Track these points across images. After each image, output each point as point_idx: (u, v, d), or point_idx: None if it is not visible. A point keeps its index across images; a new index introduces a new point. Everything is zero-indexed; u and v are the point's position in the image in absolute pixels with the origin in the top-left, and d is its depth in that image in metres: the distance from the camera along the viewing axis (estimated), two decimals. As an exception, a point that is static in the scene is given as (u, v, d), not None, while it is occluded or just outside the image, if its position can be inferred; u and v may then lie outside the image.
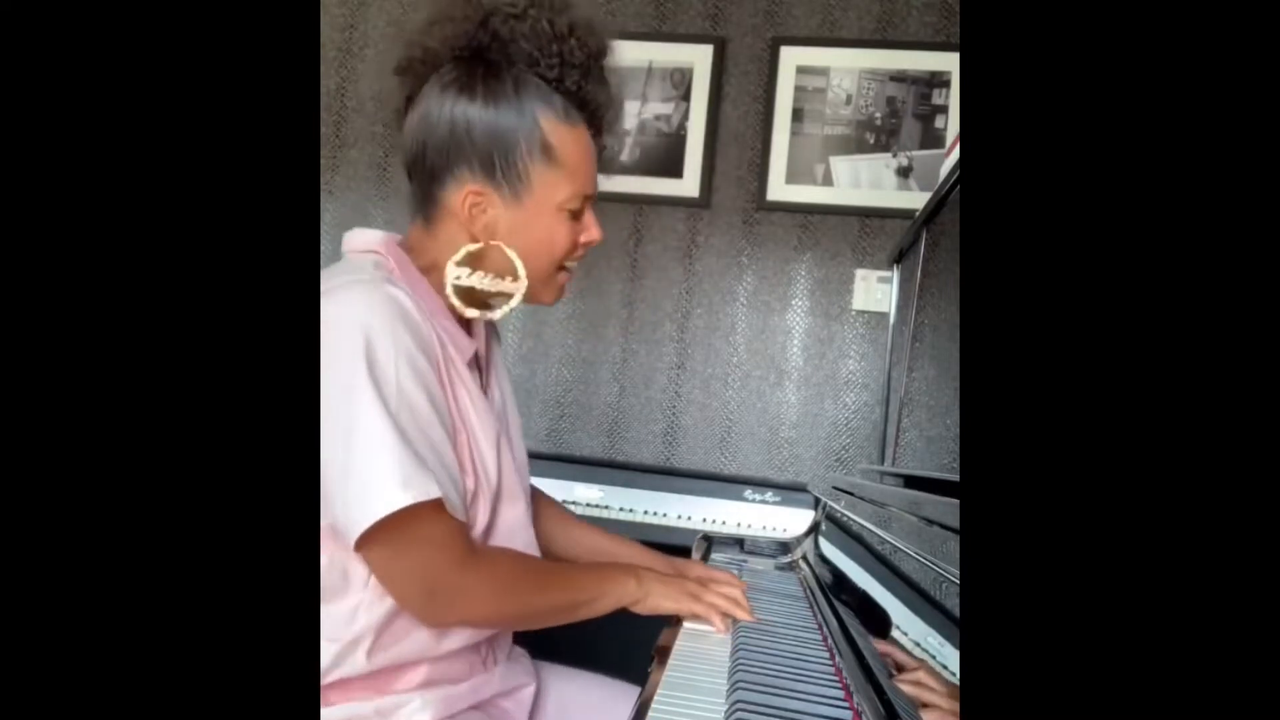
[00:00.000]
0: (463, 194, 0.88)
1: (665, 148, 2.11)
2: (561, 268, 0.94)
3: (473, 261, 0.89)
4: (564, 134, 0.89)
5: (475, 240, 0.89)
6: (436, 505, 0.78)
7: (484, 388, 0.97)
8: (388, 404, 0.77)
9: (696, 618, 0.95)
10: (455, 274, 0.88)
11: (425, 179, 0.90)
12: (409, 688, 0.86)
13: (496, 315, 0.92)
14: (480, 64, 0.88)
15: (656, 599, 0.94)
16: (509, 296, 0.91)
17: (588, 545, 1.14)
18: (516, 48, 0.88)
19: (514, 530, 0.93)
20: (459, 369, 0.88)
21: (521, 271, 0.89)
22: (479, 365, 0.98)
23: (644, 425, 2.10)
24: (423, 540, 0.79)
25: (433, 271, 0.91)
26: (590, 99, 0.92)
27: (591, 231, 0.94)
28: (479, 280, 0.89)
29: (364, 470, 0.75)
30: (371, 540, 0.77)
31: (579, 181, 0.91)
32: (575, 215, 0.92)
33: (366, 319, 0.78)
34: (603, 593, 0.92)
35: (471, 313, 0.90)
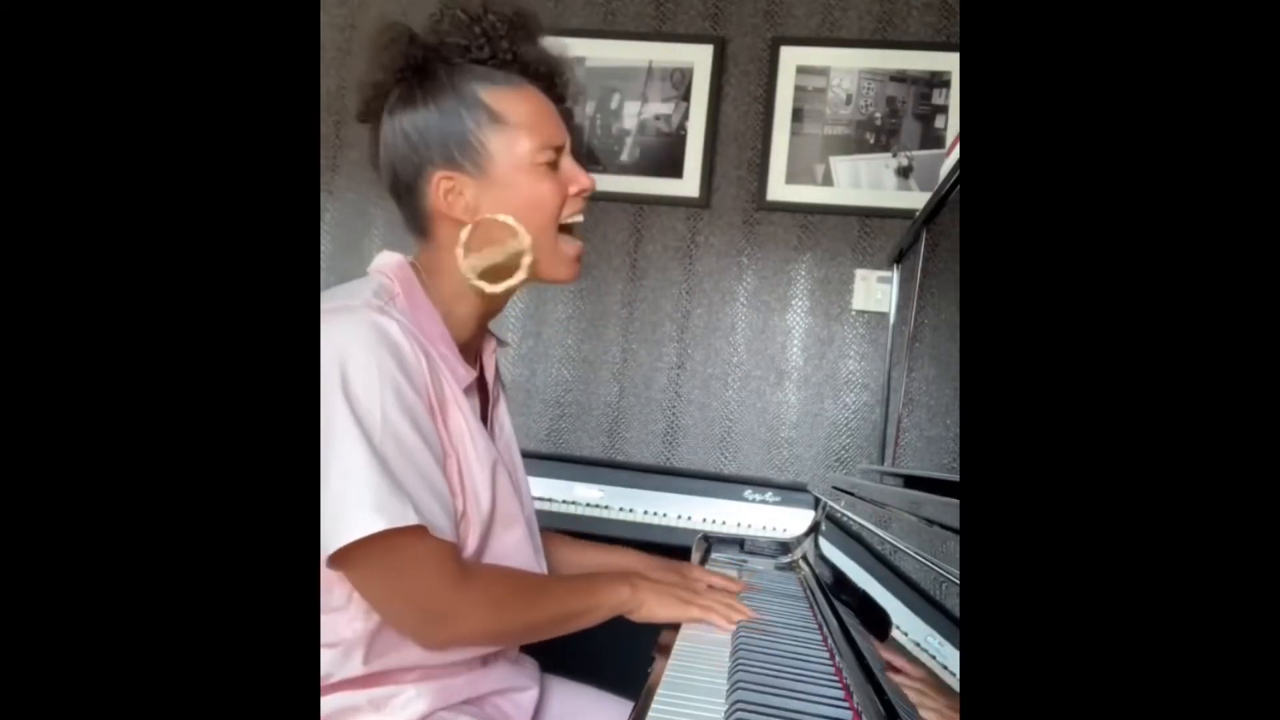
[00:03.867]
0: (435, 185, 0.89)
1: (665, 148, 2.11)
2: (564, 229, 0.93)
3: (474, 245, 0.90)
4: (509, 97, 0.90)
5: (461, 223, 0.89)
6: (420, 530, 0.78)
7: (486, 418, 0.98)
8: (369, 432, 0.77)
9: (694, 623, 0.94)
10: (469, 264, 0.89)
11: (406, 196, 0.92)
12: (403, 681, 0.87)
13: (508, 283, 0.90)
14: (419, 76, 0.91)
15: (652, 606, 0.94)
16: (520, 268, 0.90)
17: (578, 562, 1.14)
18: (446, 47, 0.91)
19: (510, 554, 0.93)
20: (454, 394, 0.87)
21: (520, 229, 0.89)
22: (484, 393, 0.98)
23: (644, 425, 2.10)
24: (412, 564, 0.80)
25: (443, 286, 0.91)
26: (528, 60, 0.93)
27: (580, 179, 0.93)
28: (488, 258, 0.89)
29: (339, 495, 0.75)
30: (354, 564, 0.78)
31: (540, 133, 0.90)
32: (553, 167, 0.91)
33: (346, 349, 0.79)
34: (597, 602, 0.92)
35: (494, 288, 0.90)
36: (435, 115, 0.89)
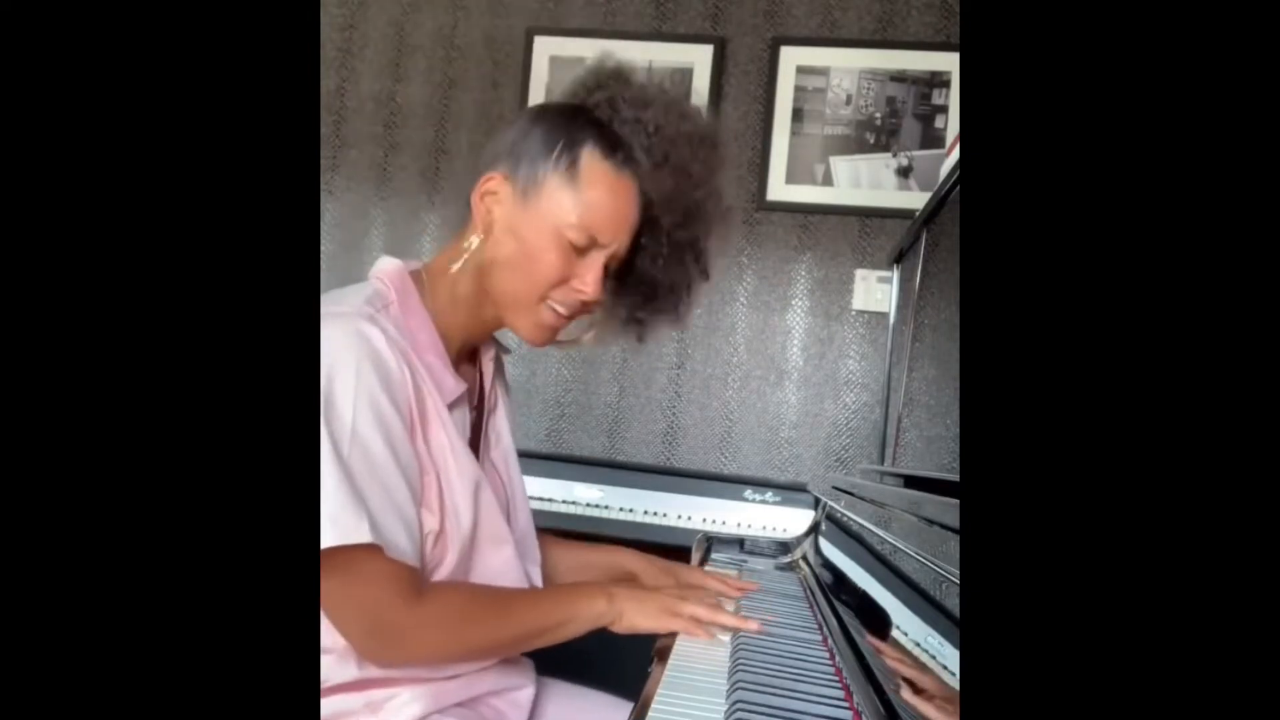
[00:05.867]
0: (483, 179, 0.90)
1: (665, 148, 2.10)
2: (545, 301, 0.89)
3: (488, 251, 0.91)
4: (601, 172, 0.88)
5: (479, 231, 0.90)
6: (375, 548, 0.77)
7: (481, 428, 0.97)
8: (338, 445, 0.76)
9: (679, 633, 0.91)
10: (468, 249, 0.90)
11: (480, 166, 0.93)
12: (399, 685, 0.86)
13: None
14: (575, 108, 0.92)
15: (632, 617, 0.90)
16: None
17: (574, 563, 1.13)
18: (614, 106, 0.92)
19: (497, 575, 0.92)
20: (438, 409, 0.86)
21: (473, 243, 0.90)
22: (480, 405, 0.97)
23: (644, 425, 2.10)
24: (363, 580, 0.79)
25: (442, 291, 0.91)
26: (652, 147, 0.91)
27: (585, 280, 0.88)
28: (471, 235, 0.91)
29: None
30: None
31: (594, 220, 0.88)
32: (578, 252, 0.88)
33: (331, 357, 0.78)
34: (571, 616, 0.89)
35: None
36: (538, 132, 0.89)
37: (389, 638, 0.82)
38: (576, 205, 0.87)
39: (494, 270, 0.89)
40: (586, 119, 0.91)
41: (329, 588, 0.79)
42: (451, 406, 0.88)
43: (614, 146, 0.89)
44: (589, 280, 0.89)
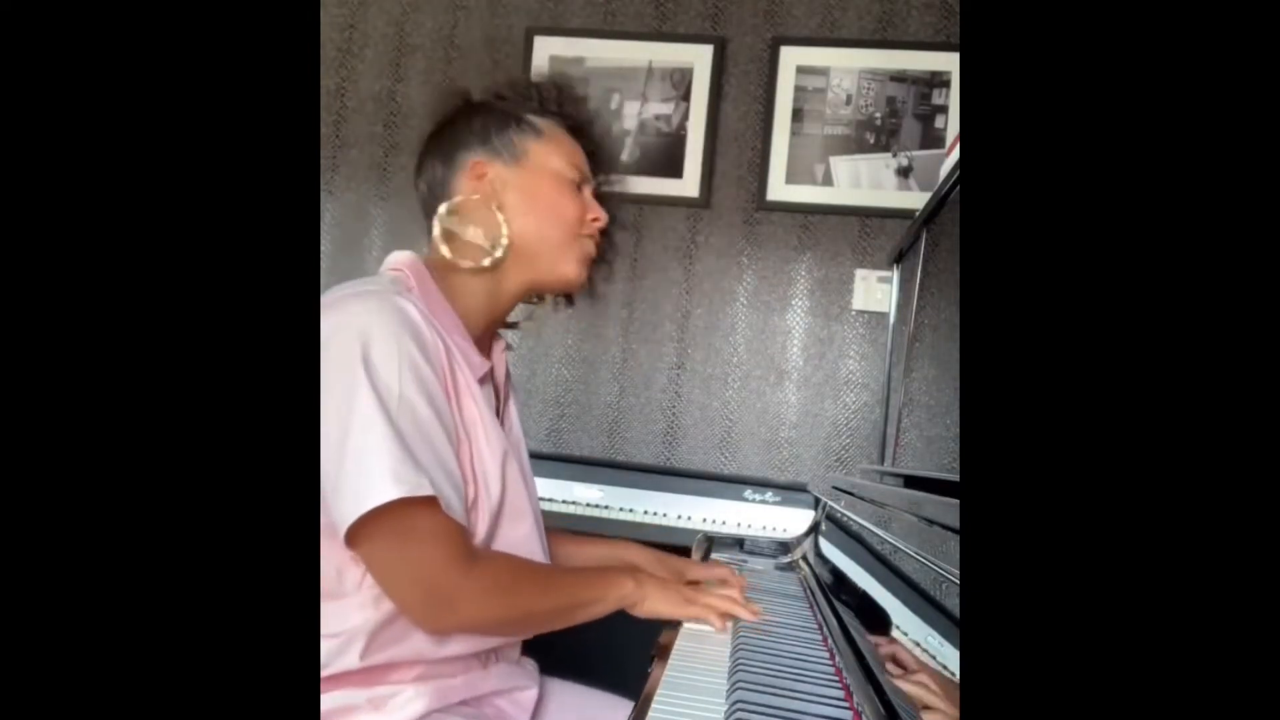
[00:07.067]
0: (468, 168, 0.96)
1: (665, 148, 2.10)
2: (579, 236, 0.99)
3: (465, 218, 0.96)
4: (551, 127, 1.01)
5: (485, 208, 0.95)
6: (433, 504, 0.78)
7: (498, 412, 0.99)
8: (387, 406, 0.78)
9: (695, 620, 0.95)
10: (442, 220, 0.95)
11: (437, 187, 0.99)
12: (402, 681, 0.86)
13: (480, 262, 0.95)
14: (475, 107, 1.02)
15: (654, 603, 0.95)
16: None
17: (581, 556, 1.15)
18: (501, 100, 1.02)
19: (518, 547, 0.94)
20: (468, 382, 0.89)
21: (504, 228, 0.94)
22: (495, 389, 1.00)
23: (644, 425, 2.10)
24: (421, 538, 0.80)
25: (453, 282, 0.95)
26: (566, 111, 1.03)
27: (596, 210, 1.00)
28: (463, 229, 0.95)
29: (357, 467, 0.76)
30: (367, 537, 0.78)
31: (571, 158, 1.00)
32: (578, 188, 0.99)
33: (368, 326, 0.80)
34: (602, 595, 0.93)
35: (462, 261, 0.94)
36: (481, 118, 0.99)
37: (442, 601, 0.82)
38: (558, 152, 0.99)
39: (527, 233, 0.96)
40: (500, 102, 1.02)
41: (382, 549, 0.80)
42: (479, 383, 0.91)
43: (542, 109, 1.02)
44: (597, 208, 1.01)
